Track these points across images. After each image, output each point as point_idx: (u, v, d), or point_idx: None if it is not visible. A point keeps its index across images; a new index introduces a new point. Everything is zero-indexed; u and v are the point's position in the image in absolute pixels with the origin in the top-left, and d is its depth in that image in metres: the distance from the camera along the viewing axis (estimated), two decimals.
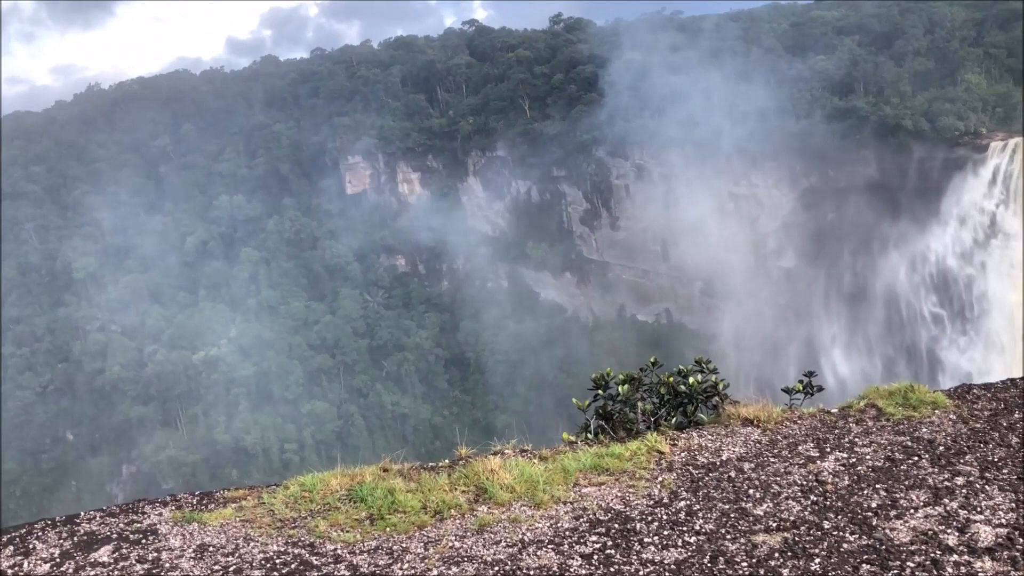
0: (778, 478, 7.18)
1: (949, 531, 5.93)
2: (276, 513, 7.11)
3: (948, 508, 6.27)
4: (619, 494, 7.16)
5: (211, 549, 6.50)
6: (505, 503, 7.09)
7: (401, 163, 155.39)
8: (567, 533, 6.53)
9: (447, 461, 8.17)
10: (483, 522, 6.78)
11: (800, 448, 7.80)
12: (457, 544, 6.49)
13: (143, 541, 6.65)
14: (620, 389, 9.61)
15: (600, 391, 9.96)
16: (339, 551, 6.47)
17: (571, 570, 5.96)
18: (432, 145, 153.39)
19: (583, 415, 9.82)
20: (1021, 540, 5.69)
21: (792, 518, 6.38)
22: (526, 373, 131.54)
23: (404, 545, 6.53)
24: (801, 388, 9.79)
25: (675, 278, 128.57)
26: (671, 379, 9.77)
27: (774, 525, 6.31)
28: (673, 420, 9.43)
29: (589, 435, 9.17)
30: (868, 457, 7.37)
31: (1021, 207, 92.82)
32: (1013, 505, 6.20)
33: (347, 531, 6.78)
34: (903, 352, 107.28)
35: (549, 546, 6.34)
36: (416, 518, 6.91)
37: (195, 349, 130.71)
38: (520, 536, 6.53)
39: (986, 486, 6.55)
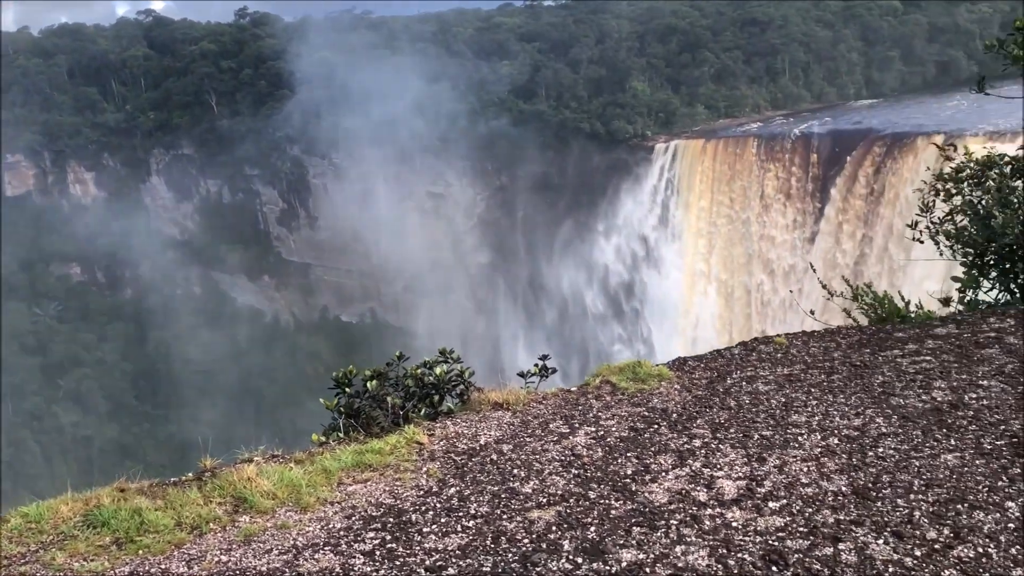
0: (537, 456, 7.45)
1: (698, 488, 6.48)
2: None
3: (693, 468, 6.86)
4: (387, 488, 7.06)
5: None
6: (268, 511, 6.73)
7: (72, 162, 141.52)
8: (342, 533, 6.32)
9: (191, 475, 7.59)
10: (248, 532, 6.39)
11: (551, 426, 8.15)
12: (224, 558, 6.05)
13: None
14: (368, 385, 9.50)
15: (345, 389, 9.78)
16: None
17: (355, 569, 5.79)
18: (108, 142, 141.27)
19: (321, 417, 9.61)
20: (759, 490, 6.35)
21: (560, 492, 6.65)
22: (225, 383, 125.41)
23: (164, 566, 5.97)
24: (537, 371, 10.24)
25: (378, 277, 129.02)
26: (418, 371, 9.82)
27: (545, 500, 6.54)
28: (422, 412, 9.47)
29: (340, 434, 8.95)
30: (614, 429, 7.87)
31: (683, 206, 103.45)
32: (745, 459, 6.91)
33: (92, 559, 6.08)
34: (575, 345, 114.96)
35: (326, 548, 6.11)
36: (172, 536, 6.35)
37: None
38: (292, 542, 6.23)
39: (720, 445, 7.24)
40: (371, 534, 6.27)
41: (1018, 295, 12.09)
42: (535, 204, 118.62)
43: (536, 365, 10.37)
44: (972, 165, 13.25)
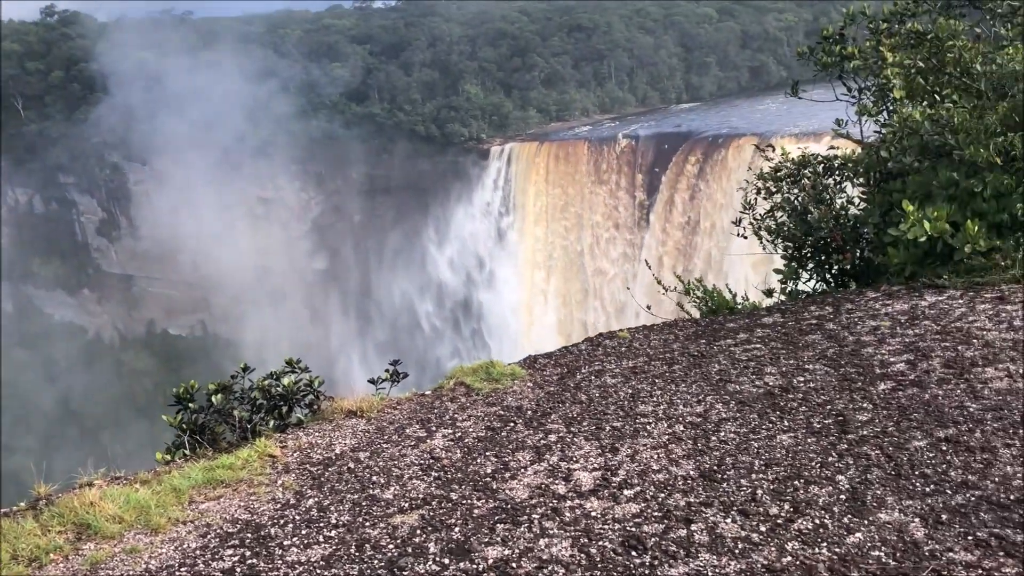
0: (396, 462, 7.43)
1: (557, 482, 6.66)
2: None
3: (551, 462, 7.03)
4: (242, 503, 6.85)
5: None
6: (116, 535, 6.38)
7: None
8: (198, 552, 6.09)
9: (24, 504, 7.10)
10: (95, 560, 6.04)
11: (408, 431, 8.15)
12: None
13: None
14: (214, 399, 9.16)
15: (188, 405, 9.41)
16: None
17: None
18: None
19: (153, 436, 9.24)
20: (614, 479, 6.60)
21: (421, 496, 6.67)
22: (43, 406, 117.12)
23: None
24: (389, 376, 10.20)
25: (207, 287, 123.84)
26: (265, 383, 9.57)
27: (407, 505, 6.54)
28: (271, 424, 9.24)
29: (186, 451, 8.59)
30: (471, 429, 7.96)
31: (519, 231, 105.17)
32: (599, 451, 7.16)
33: None
34: (412, 358, 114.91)
35: (182, 569, 5.87)
36: (8, 570, 5.92)
37: None
38: (144, 566, 5.95)
39: (574, 439, 7.46)
40: (229, 551, 6.08)
41: (832, 284, 13.05)
42: (369, 209, 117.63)
43: (387, 370, 10.32)
44: (788, 164, 14.19)
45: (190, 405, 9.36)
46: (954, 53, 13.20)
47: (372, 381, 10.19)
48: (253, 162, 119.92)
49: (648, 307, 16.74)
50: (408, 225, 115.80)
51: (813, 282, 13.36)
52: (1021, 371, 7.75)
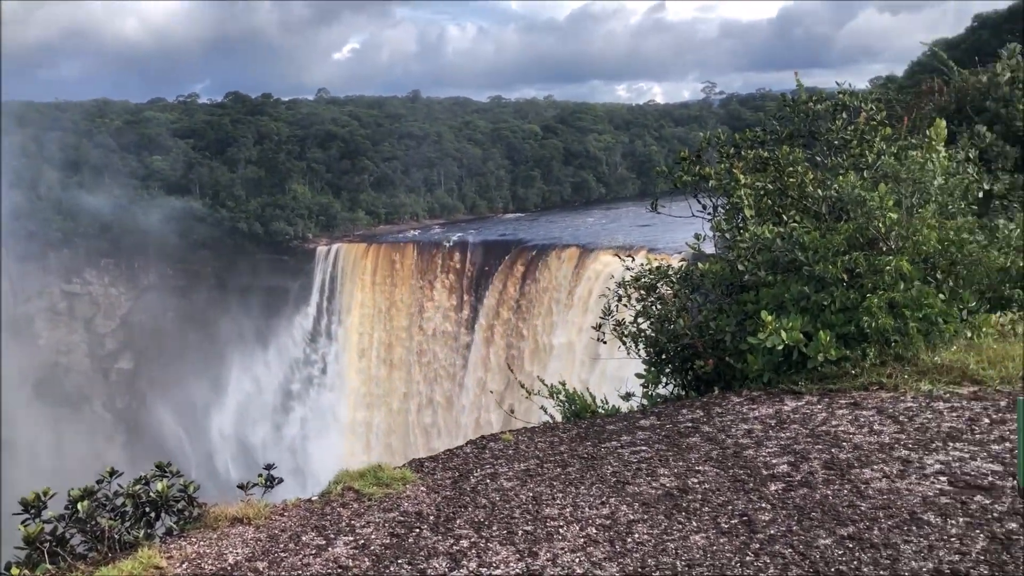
0: (299, 571, 7.00)
1: None
2: None
3: (470, 568, 6.83)
4: None
5: None
6: None
7: None
8: None
9: None
10: None
11: (304, 539, 7.71)
12: None
13: None
14: (80, 506, 8.33)
15: (35, 515, 8.51)
16: None
17: None
18: None
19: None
20: None
21: None
22: None
23: None
24: (263, 482, 9.67)
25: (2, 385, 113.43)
26: (136, 488, 8.82)
27: None
28: (142, 533, 8.49)
29: (48, 567, 7.72)
30: (374, 537, 7.62)
31: (345, 310, 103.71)
32: (517, 555, 7.03)
33: None
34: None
35: None
36: None
37: None
38: None
39: (488, 544, 7.30)
40: None
41: (691, 388, 13.65)
42: (190, 304, 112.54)
43: (260, 475, 9.78)
44: (648, 275, 14.92)
45: (42, 514, 8.48)
46: (795, 178, 14.52)
47: (242, 486, 9.62)
48: (58, 254, 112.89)
49: (512, 410, 16.85)
50: (225, 325, 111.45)
51: (672, 386, 13.96)
52: (894, 472, 8.33)
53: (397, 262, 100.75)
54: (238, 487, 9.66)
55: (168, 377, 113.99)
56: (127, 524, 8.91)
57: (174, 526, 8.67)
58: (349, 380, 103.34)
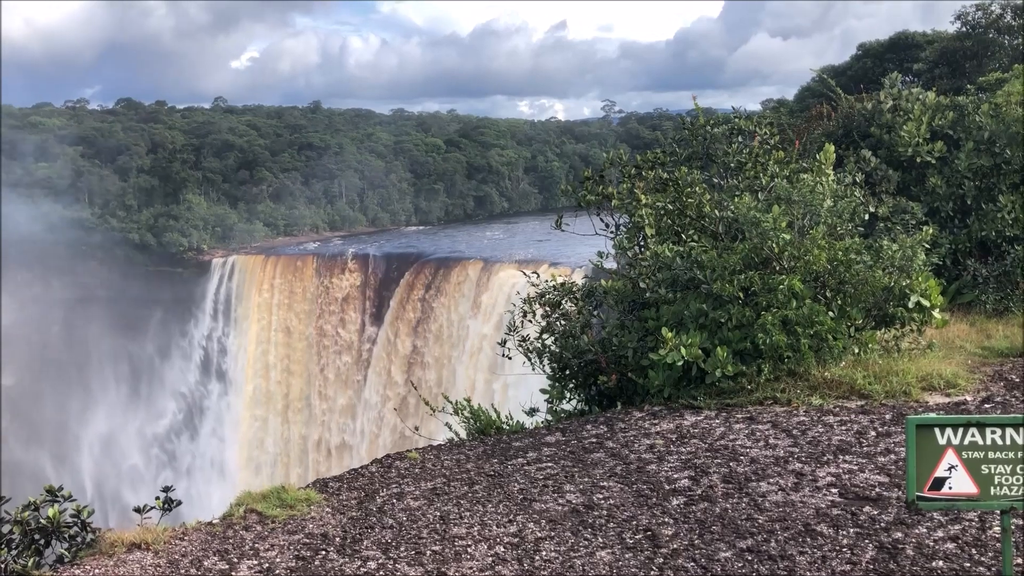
0: None
1: None
2: None
3: None
4: None
5: None
6: None
7: None
8: None
9: None
10: None
11: (206, 563, 7.52)
12: None
13: None
14: None
15: None
16: None
17: None
18: None
19: None
20: None
21: None
22: None
23: None
24: (161, 505, 9.38)
25: None
26: (25, 515, 8.43)
27: None
28: (31, 561, 8.13)
29: None
30: (279, 560, 7.50)
31: (242, 323, 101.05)
32: None
33: None
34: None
35: None
36: None
37: None
38: None
39: (396, 565, 7.26)
40: None
41: (593, 403, 13.88)
42: (77, 317, 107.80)
43: (158, 498, 9.49)
44: (551, 292, 15.11)
45: None
46: (694, 199, 14.96)
47: (138, 510, 9.31)
48: None
49: (416, 428, 16.79)
50: (114, 340, 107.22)
51: (576, 402, 14.17)
52: (789, 485, 8.67)
53: (296, 275, 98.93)
54: (134, 510, 9.33)
55: (51, 393, 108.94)
56: (14, 552, 8.53)
57: (66, 553, 8.34)
58: (245, 394, 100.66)
